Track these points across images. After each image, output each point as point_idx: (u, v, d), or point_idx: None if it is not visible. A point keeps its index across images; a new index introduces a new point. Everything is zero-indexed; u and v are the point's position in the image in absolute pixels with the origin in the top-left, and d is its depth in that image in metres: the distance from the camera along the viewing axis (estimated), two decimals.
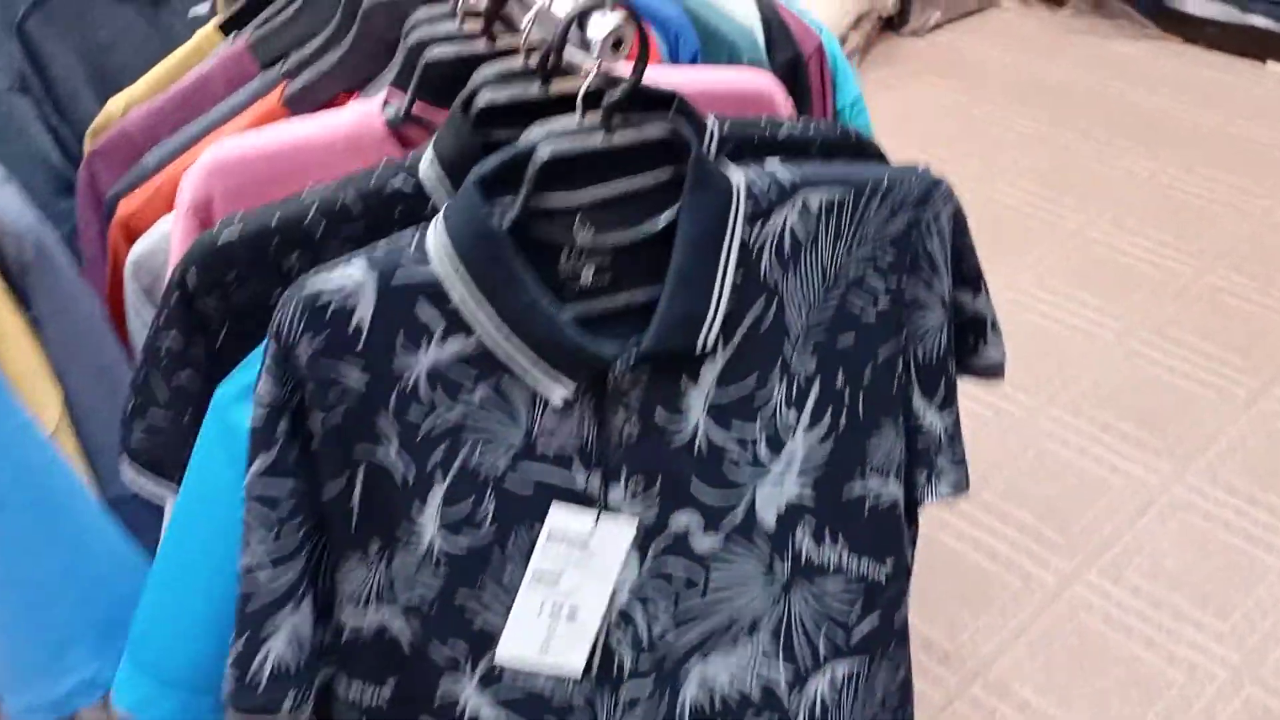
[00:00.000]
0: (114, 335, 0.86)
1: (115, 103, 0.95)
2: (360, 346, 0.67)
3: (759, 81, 0.84)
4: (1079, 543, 1.75)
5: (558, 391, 0.68)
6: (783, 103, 0.85)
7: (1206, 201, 2.54)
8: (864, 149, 0.82)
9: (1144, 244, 2.41)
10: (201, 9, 0.98)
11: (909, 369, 0.76)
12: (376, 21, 0.81)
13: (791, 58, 1.06)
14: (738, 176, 0.71)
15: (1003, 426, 1.96)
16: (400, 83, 0.78)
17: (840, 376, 0.73)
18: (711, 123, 0.76)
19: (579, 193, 0.70)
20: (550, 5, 0.68)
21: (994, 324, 0.82)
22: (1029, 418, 1.98)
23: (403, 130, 0.78)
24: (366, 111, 0.77)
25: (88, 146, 0.96)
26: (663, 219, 0.71)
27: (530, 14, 0.69)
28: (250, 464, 0.68)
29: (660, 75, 0.82)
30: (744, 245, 0.70)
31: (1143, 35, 3.16)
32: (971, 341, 0.82)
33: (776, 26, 1.06)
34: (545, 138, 0.69)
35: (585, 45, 0.67)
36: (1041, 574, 1.71)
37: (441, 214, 0.67)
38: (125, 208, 0.87)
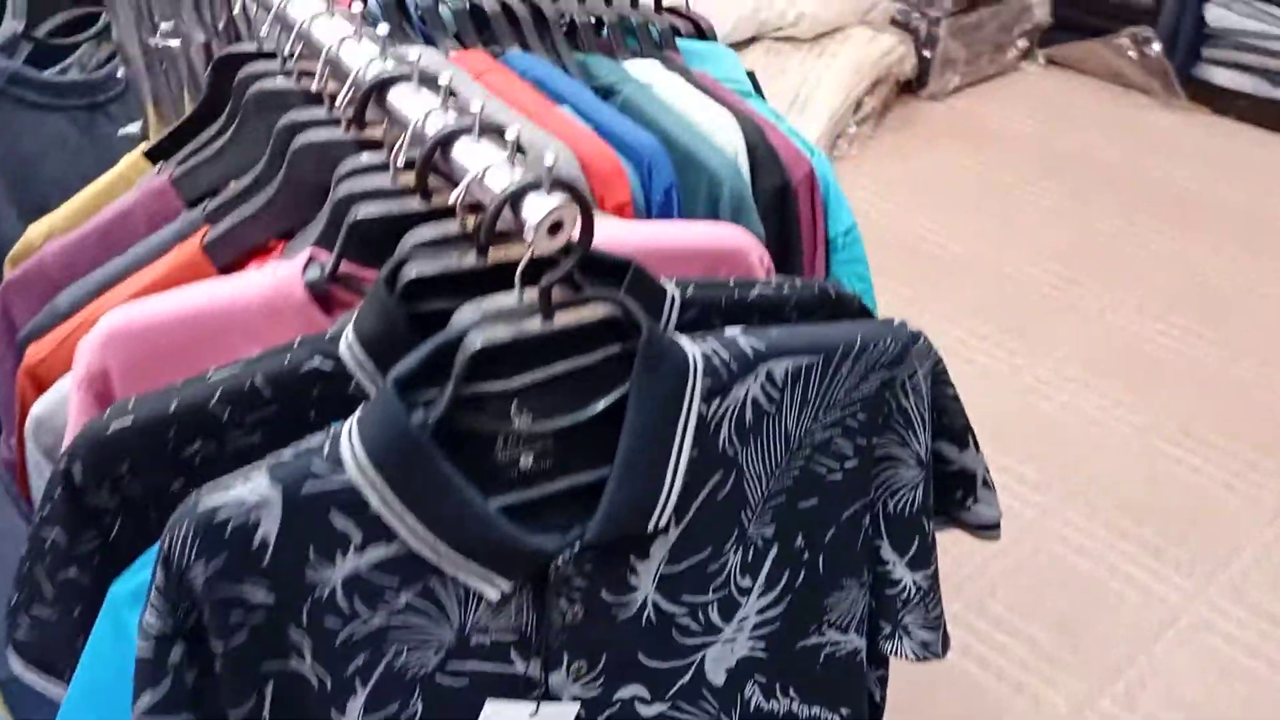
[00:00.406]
0: (12, 495, 0.79)
1: (36, 229, 0.87)
2: (265, 564, 0.60)
3: (732, 238, 0.76)
4: (1093, 664, 1.65)
5: (492, 590, 0.62)
6: (758, 260, 0.77)
7: (1235, 286, 2.44)
8: (844, 305, 0.75)
9: (1168, 331, 2.31)
10: (133, 128, 0.91)
11: (877, 521, 0.72)
12: (306, 164, 0.73)
13: (779, 186, 0.97)
14: (695, 350, 0.65)
15: (1013, 528, 1.85)
16: (326, 241, 0.70)
17: (800, 538, 0.70)
18: (671, 290, 0.69)
19: (516, 378, 0.64)
20: (484, 176, 0.60)
21: (985, 480, 0.77)
22: (1041, 518, 1.88)
23: (329, 292, 0.70)
24: (287, 274, 0.69)
25: (5, 273, 0.88)
26: (610, 400, 0.64)
27: (463, 183, 0.61)
28: (136, 698, 0.61)
29: (623, 232, 0.74)
30: (701, 420, 0.65)
31: (1172, 105, 3.06)
32: (959, 496, 0.77)
33: (762, 152, 0.97)
34: (476, 323, 0.62)
35: (520, 225, 0.59)
36: (1052, 697, 1.61)
37: (356, 419, 0.60)
38: (33, 355, 0.79)
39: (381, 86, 0.64)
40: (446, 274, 0.65)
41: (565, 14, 1.01)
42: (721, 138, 0.96)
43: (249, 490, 0.59)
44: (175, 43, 0.83)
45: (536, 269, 0.62)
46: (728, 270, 0.76)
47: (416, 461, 0.59)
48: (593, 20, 1.02)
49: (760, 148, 0.97)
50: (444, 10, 0.98)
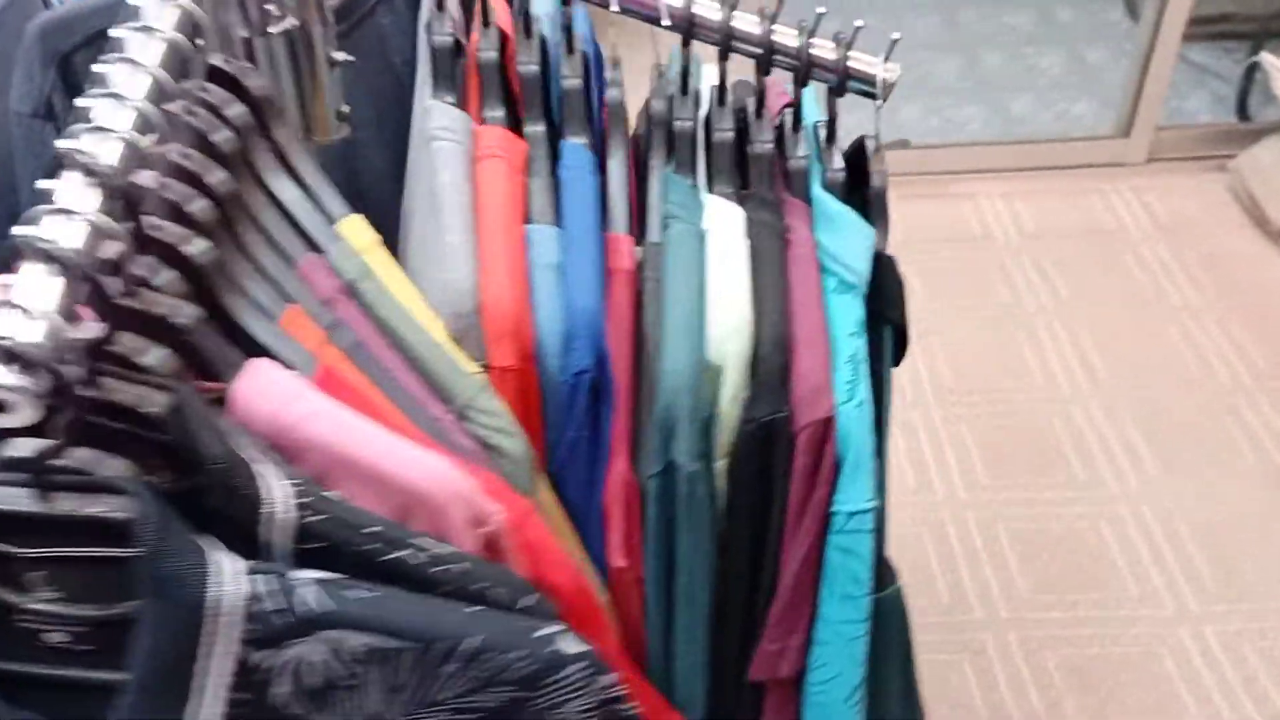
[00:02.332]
0: None
1: None
2: None
3: (441, 482, 0.59)
4: None
5: None
6: (460, 523, 0.59)
7: None
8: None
9: None
10: None
11: None
12: None
13: (769, 419, 0.74)
14: (240, 588, 0.54)
15: None
16: None
17: None
18: (272, 508, 0.57)
19: (37, 546, 0.57)
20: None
21: None
22: None
23: None
24: None
25: None
26: (126, 608, 0.57)
27: None
28: None
29: (317, 422, 0.60)
30: (245, 666, 0.55)
31: None
32: None
33: (768, 371, 0.73)
34: None
35: None
36: None
37: None
38: None
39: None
40: None
41: (683, 119, 0.83)
42: (717, 338, 0.74)
43: None
44: None
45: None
46: (423, 517, 0.60)
47: None
48: (694, 129, 0.83)
49: (768, 366, 0.74)
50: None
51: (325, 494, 0.58)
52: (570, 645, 0.56)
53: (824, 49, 0.82)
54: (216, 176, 0.67)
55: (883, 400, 0.81)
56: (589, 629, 0.70)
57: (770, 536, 0.78)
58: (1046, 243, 2.46)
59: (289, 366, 0.63)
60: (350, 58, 0.87)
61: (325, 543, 0.57)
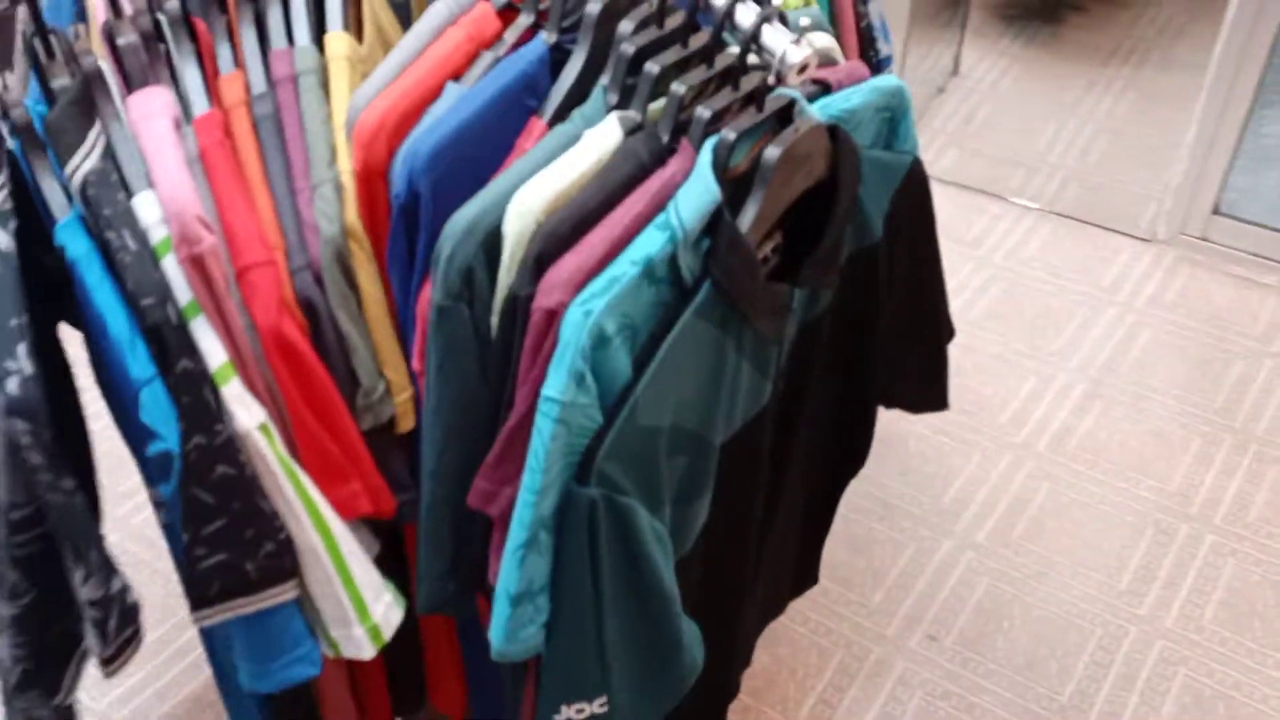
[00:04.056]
0: None
1: None
2: None
3: (168, 198, 0.83)
4: None
5: None
6: (175, 235, 0.83)
7: None
8: None
9: None
10: None
11: None
12: None
13: (512, 294, 0.86)
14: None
15: None
16: None
17: None
18: (79, 163, 0.85)
19: None
20: None
21: None
22: None
23: None
24: None
25: None
26: None
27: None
28: None
29: (146, 120, 0.86)
30: None
31: None
32: None
33: (530, 250, 0.85)
34: None
35: None
36: None
37: None
38: None
39: None
40: None
41: (630, 43, 0.94)
42: (507, 215, 0.87)
43: None
44: None
45: None
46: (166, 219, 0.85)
47: None
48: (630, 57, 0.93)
49: (530, 250, 0.86)
50: None
51: (114, 172, 0.85)
52: None
53: (748, 12, 0.88)
54: None
55: (661, 345, 0.88)
56: (286, 365, 0.90)
57: (507, 393, 0.91)
58: None
59: (184, 100, 0.90)
60: None
61: (86, 202, 0.84)
